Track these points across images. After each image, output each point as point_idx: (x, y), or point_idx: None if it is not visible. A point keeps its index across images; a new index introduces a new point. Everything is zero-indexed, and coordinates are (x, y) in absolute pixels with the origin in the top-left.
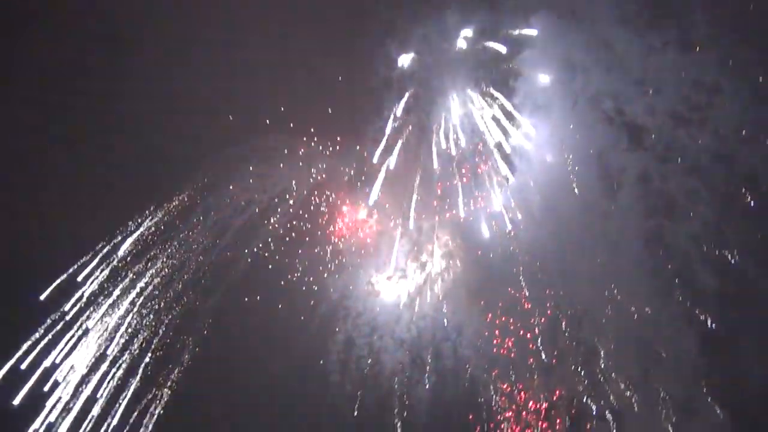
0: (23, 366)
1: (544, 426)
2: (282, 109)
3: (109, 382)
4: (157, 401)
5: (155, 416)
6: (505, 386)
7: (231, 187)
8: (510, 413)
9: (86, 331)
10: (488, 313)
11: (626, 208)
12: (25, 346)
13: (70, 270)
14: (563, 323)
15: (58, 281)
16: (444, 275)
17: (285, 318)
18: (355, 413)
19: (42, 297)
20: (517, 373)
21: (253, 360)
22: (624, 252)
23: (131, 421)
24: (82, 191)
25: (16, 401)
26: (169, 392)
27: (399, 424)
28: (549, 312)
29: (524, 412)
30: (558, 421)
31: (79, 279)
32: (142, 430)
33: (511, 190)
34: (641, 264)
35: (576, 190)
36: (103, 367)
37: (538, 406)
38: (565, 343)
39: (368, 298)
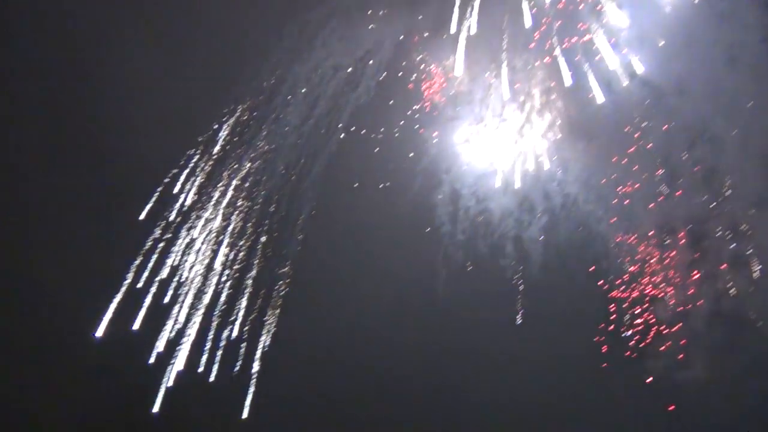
0: (139, 285)
1: (671, 274)
2: None
3: (231, 265)
4: (281, 282)
5: (282, 294)
6: (623, 234)
7: (315, 54)
8: (632, 261)
9: (192, 240)
10: (595, 150)
11: (744, 4)
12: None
13: (172, 173)
14: (683, 151)
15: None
16: (544, 114)
17: (386, 180)
18: (469, 267)
19: (142, 215)
20: (636, 217)
21: (363, 223)
22: (743, 56)
23: (259, 300)
24: (168, 89)
25: (136, 326)
26: (290, 272)
27: (519, 277)
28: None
29: (650, 260)
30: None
31: (177, 187)
32: (271, 308)
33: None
34: (763, 67)
35: None
36: (221, 256)
37: (662, 248)
38: (685, 172)
39: (468, 147)
